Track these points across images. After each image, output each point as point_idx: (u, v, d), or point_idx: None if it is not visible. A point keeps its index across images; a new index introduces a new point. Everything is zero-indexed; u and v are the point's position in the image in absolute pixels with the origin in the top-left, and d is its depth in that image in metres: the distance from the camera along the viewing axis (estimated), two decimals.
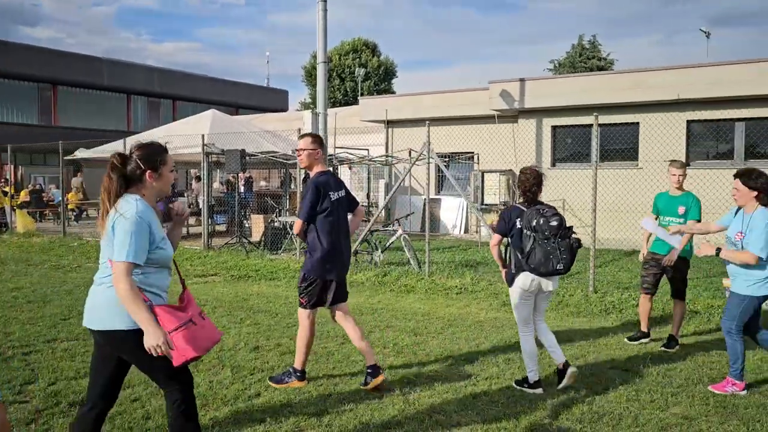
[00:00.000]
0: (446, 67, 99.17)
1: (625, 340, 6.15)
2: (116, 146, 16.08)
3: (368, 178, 20.52)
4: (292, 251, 12.10)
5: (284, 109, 43.48)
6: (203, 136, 13.15)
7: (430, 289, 8.92)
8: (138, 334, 2.88)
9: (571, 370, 4.82)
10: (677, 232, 5.34)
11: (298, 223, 4.76)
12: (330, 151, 15.61)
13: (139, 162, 3.03)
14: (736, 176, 4.76)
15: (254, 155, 14.16)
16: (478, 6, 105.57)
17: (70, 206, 20.18)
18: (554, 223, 4.55)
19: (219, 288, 9.29)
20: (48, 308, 7.59)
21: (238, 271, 10.51)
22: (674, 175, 6.01)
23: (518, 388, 4.80)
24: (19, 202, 20.16)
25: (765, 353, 5.64)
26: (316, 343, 5.97)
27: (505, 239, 4.93)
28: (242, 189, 17.50)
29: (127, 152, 3.11)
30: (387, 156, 18.06)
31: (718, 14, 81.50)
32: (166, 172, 3.10)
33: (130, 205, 2.94)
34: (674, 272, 6.01)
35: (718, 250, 4.75)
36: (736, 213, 4.86)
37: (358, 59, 45.59)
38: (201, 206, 14.53)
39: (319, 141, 4.89)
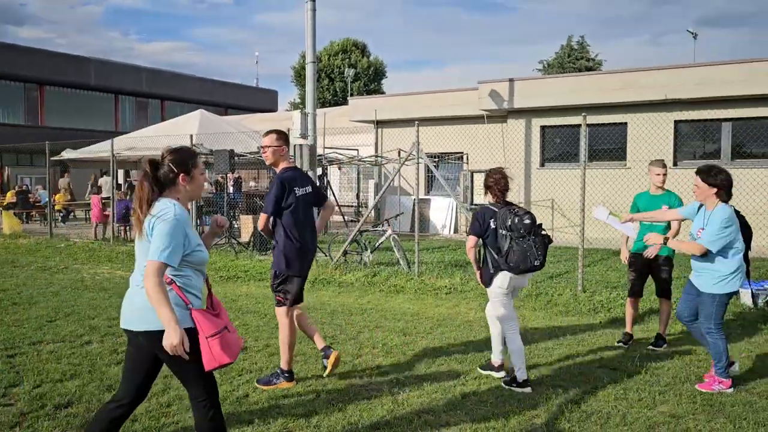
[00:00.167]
0: (436, 68, 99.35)
1: (618, 343, 6.12)
2: (103, 147, 15.99)
3: (358, 179, 20.49)
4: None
5: (274, 110, 43.37)
6: (191, 136, 13.08)
7: (419, 289, 8.92)
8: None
9: (500, 375, 5.04)
10: (629, 220, 5.33)
11: (262, 218, 4.81)
12: (319, 151, 15.57)
13: (171, 166, 3.09)
14: (696, 173, 4.81)
15: (243, 155, 14.11)
16: (467, 6, 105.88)
17: (57, 207, 20.02)
18: (528, 222, 4.66)
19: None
20: (34, 310, 7.52)
21: (227, 272, 10.46)
22: (658, 174, 6.03)
23: (507, 388, 4.80)
24: (5, 203, 19.99)
25: (746, 348, 5.67)
26: (304, 343, 5.96)
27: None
28: (231, 189, 17.43)
29: (159, 157, 3.17)
30: (376, 156, 18.06)
31: (706, 16, 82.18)
32: (197, 175, 3.18)
33: (167, 208, 3.00)
34: (659, 271, 6.03)
35: (666, 239, 4.87)
36: (698, 209, 4.90)
37: (347, 59, 45.57)
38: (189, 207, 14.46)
39: (284, 138, 4.94)
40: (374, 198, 15.33)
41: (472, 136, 16.40)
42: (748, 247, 4.92)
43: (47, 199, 16.95)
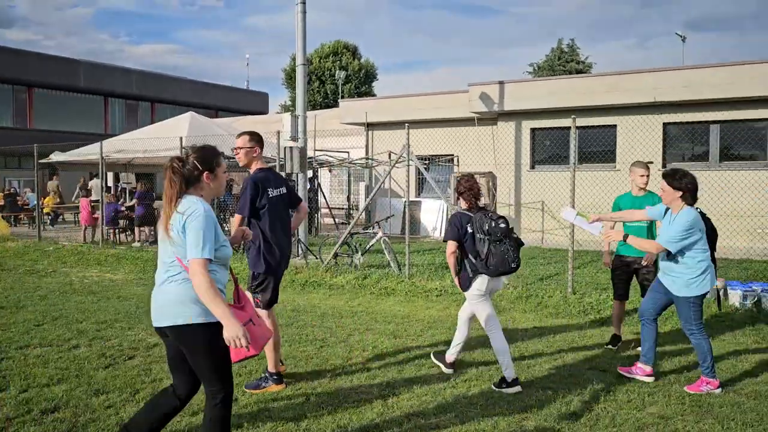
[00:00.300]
0: (427, 70, 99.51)
1: (607, 346, 6.13)
2: (92, 149, 15.89)
3: (349, 181, 20.48)
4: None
5: (264, 112, 43.31)
6: (181, 138, 13.03)
7: (410, 291, 8.92)
8: (201, 328, 3.04)
9: (448, 371, 5.19)
10: (596, 220, 5.37)
11: (237, 218, 4.83)
12: (310, 153, 15.54)
13: (196, 164, 3.17)
14: (662, 177, 4.87)
15: (233, 158, 14.06)
16: (458, 9, 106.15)
17: (45, 210, 19.88)
18: (503, 226, 4.83)
19: None
20: (21, 314, 7.45)
21: None
22: (642, 176, 6.06)
23: (498, 390, 4.81)
24: None
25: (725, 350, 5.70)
26: (294, 346, 5.94)
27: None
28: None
29: (184, 155, 3.25)
30: (367, 158, 18.06)
31: (694, 19, 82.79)
32: (220, 173, 3.27)
33: (196, 205, 3.08)
34: (644, 275, 6.06)
35: (626, 236, 4.96)
36: (666, 212, 4.96)
37: (338, 62, 45.55)
38: None
39: (256, 139, 4.97)
40: (365, 200, 15.32)
41: (462, 138, 16.43)
42: (713, 249, 5.03)
43: (36, 202, 16.83)
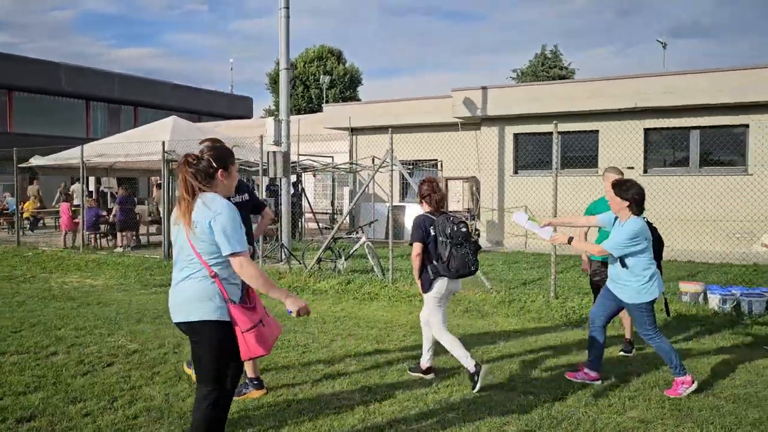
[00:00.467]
0: (411, 75, 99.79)
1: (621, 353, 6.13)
2: (73, 153, 15.73)
3: (333, 186, 20.44)
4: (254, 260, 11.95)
5: (249, 116, 43.11)
6: (163, 143, 12.93)
7: (393, 296, 8.90)
8: (215, 325, 3.12)
9: (430, 377, 5.20)
10: (547, 225, 5.44)
11: None
12: (293, 158, 15.50)
13: (211, 161, 3.23)
14: (611, 186, 4.97)
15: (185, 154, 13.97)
16: (443, 15, 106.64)
17: (25, 215, 19.62)
18: (464, 230, 4.98)
19: None
20: None
21: None
22: None
23: (475, 388, 4.90)
24: None
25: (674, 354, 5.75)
26: (276, 352, 5.90)
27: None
28: None
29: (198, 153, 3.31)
30: (351, 163, 18.04)
31: (675, 26, 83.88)
32: (233, 171, 3.36)
33: (218, 200, 3.16)
34: None
35: (570, 238, 5.09)
36: (615, 219, 5.06)
37: (322, 67, 45.50)
38: (162, 214, 14.28)
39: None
40: (349, 205, 15.30)
41: (446, 143, 16.48)
42: (660, 257, 5.21)
43: (15, 207, 16.60)
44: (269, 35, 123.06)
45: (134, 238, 15.32)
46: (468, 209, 16.12)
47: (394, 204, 10.62)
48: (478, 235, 15.68)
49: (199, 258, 3.13)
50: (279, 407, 4.56)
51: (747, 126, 13.20)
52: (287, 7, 12.14)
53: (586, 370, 5.17)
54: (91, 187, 23.25)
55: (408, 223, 16.92)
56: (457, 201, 16.28)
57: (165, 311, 7.91)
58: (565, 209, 11.81)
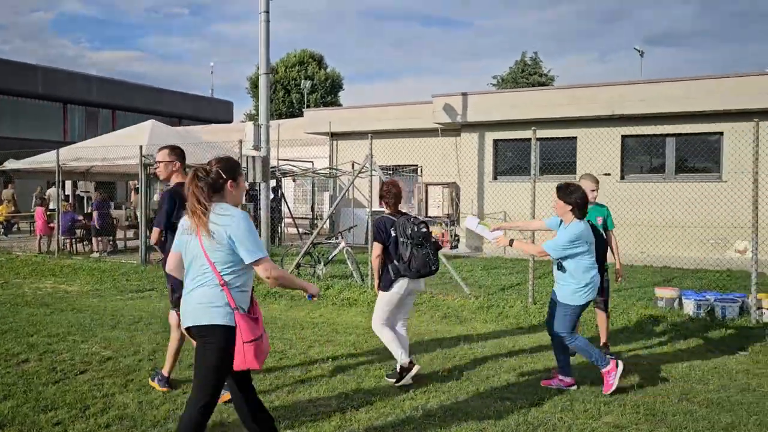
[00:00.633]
0: (392, 81, 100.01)
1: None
2: (48, 157, 15.51)
3: (313, 191, 20.39)
4: None
5: (229, 121, 42.88)
6: (141, 147, 12.80)
7: (372, 302, 8.85)
8: (222, 329, 3.21)
9: (416, 368, 5.19)
10: (497, 229, 5.55)
11: (155, 231, 4.94)
12: (273, 163, 15.43)
13: (221, 173, 3.34)
14: (556, 190, 5.10)
15: (194, 167, 13.86)
16: (425, 21, 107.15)
17: None
18: (424, 230, 5.11)
19: (155, 303, 9.01)
20: None
21: None
22: (592, 191, 6.16)
23: (394, 382, 5.06)
24: None
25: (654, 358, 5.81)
26: None
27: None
28: None
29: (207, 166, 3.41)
30: (331, 168, 18.02)
31: (654, 34, 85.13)
32: (241, 182, 3.47)
33: (234, 210, 3.30)
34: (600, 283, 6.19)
35: (511, 241, 5.22)
36: (560, 222, 5.17)
37: (304, 71, 45.43)
38: (139, 219, 14.11)
39: (177, 153, 5.08)
40: (328, 210, 15.26)
41: (426, 148, 16.52)
42: (603, 260, 5.29)
43: None
44: (251, 39, 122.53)
45: (111, 243, 15.13)
46: (448, 215, 16.17)
47: (373, 209, 10.60)
48: (458, 240, 15.74)
49: (212, 267, 3.23)
50: None
51: (721, 134, 13.41)
52: (267, 12, 12.10)
53: (560, 376, 5.20)
54: (68, 192, 22.93)
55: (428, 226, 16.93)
56: (437, 206, 16.33)
57: (141, 317, 7.83)
58: (544, 215, 11.88)
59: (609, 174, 14.03)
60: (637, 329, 7.34)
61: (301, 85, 43.30)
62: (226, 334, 3.21)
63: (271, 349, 6.18)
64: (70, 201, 19.00)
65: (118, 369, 5.56)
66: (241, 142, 11.99)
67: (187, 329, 3.35)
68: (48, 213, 15.54)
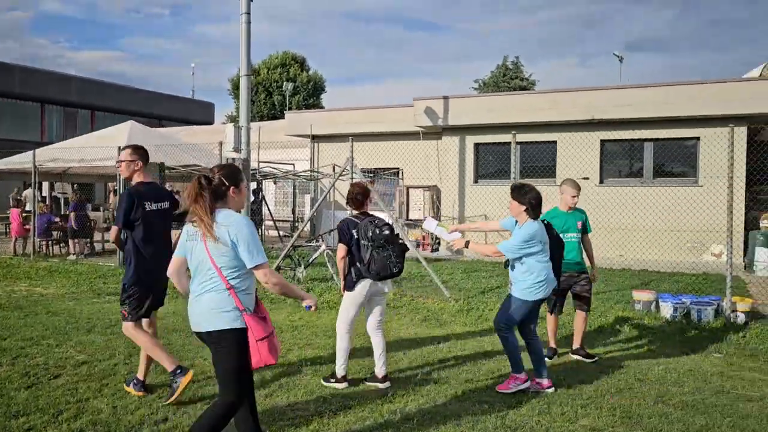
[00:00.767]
0: (375, 83, 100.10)
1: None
2: (24, 158, 15.29)
3: (294, 193, 20.31)
4: None
5: (210, 122, 42.63)
6: (119, 148, 12.63)
7: None
8: (235, 332, 3.34)
9: (386, 385, 5.20)
10: (455, 230, 5.60)
11: (113, 230, 5.01)
12: (254, 165, 15.34)
13: (223, 180, 3.46)
14: (510, 191, 5.18)
15: (175, 169, 13.75)
16: (408, 24, 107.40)
17: None
18: (386, 232, 5.10)
19: None
20: None
21: None
22: (573, 197, 6.22)
23: (326, 384, 5.12)
24: None
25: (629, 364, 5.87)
26: None
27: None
28: None
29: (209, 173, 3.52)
30: (312, 171, 17.97)
31: (635, 39, 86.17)
32: (243, 188, 3.57)
33: (237, 216, 3.41)
34: (583, 286, 6.23)
35: (467, 242, 5.27)
36: (515, 224, 5.23)
37: (286, 73, 45.30)
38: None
39: (139, 153, 5.07)
40: (309, 213, 15.21)
41: (407, 152, 16.55)
42: (560, 258, 5.36)
43: None
44: (233, 40, 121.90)
45: (88, 245, 14.93)
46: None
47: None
48: (439, 243, 15.77)
49: (218, 272, 3.34)
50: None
51: (698, 139, 13.60)
52: (248, 13, 12.04)
53: (536, 380, 5.22)
54: (45, 193, 22.61)
55: (393, 228, 16.91)
56: (418, 209, 16.35)
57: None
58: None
59: (588, 178, 14.15)
60: (615, 332, 7.40)
61: (283, 87, 43.17)
62: (238, 336, 3.34)
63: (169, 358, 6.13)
64: (47, 202, 18.72)
65: (93, 373, 5.48)
66: (221, 143, 11.91)
67: (198, 334, 3.45)
68: (24, 214, 15.31)
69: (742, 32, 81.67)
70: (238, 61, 12.46)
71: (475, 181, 15.76)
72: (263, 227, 17.32)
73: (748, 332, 7.21)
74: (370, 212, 5.41)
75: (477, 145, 15.81)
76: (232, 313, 3.34)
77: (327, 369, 5.72)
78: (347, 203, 5.44)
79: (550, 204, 11.60)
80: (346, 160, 10.20)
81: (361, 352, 6.42)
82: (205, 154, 15.27)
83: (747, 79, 15.17)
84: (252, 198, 14.85)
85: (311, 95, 46.25)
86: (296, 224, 19.01)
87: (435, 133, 16.37)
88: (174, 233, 5.31)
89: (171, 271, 3.64)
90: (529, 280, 5.05)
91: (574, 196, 6.20)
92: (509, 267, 5.24)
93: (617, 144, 14.57)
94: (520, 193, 5.06)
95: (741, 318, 7.61)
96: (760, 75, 16.71)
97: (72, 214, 14.33)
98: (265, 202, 17.40)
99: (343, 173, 10.54)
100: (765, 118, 13.64)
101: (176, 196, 5.35)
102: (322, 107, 43.50)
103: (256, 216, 15.83)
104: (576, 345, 6.29)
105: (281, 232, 17.56)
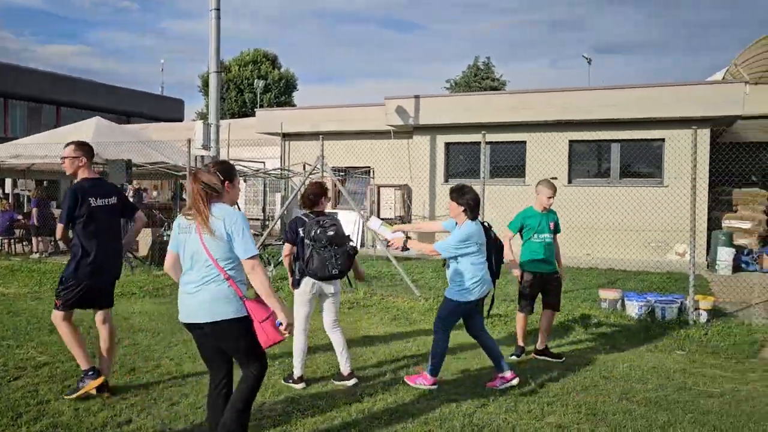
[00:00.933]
0: (347, 82, 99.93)
1: (511, 356, 6.27)
2: None
3: (264, 191, 20.15)
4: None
5: (180, 119, 42.06)
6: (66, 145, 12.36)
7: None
8: (238, 322, 3.49)
9: (353, 382, 5.25)
10: (398, 230, 5.67)
11: (58, 228, 4.99)
12: None
13: (219, 175, 3.65)
14: (450, 192, 5.27)
15: (142, 166, 13.52)
16: (381, 23, 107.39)
17: None
18: (331, 233, 5.09)
19: None
20: None
21: (120, 288, 9.86)
22: (549, 198, 6.26)
23: (285, 384, 5.16)
24: None
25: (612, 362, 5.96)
26: (196, 364, 5.73)
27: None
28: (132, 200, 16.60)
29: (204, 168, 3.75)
30: (282, 169, 17.85)
31: (605, 41, 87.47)
32: (237, 183, 3.80)
33: (229, 210, 3.55)
34: (554, 287, 6.30)
35: (406, 240, 5.39)
36: (456, 224, 5.31)
37: (257, 71, 44.93)
38: None
39: (84, 149, 5.05)
40: (280, 211, 15.10)
41: (378, 150, 16.54)
42: (498, 260, 5.43)
43: None
44: (203, 36, 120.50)
45: (52, 243, 14.61)
46: (400, 217, 16.22)
47: (326, 210, 10.54)
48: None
49: (215, 263, 3.47)
50: (198, 419, 4.42)
51: (663, 140, 13.85)
52: (218, 9, 11.90)
53: (500, 375, 5.27)
54: (8, 190, 22.06)
55: (340, 230, 16.85)
56: (389, 208, 16.36)
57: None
58: (493, 217, 12.05)
59: (556, 178, 14.30)
60: (581, 330, 7.50)
61: (255, 85, 42.82)
62: (242, 323, 3.50)
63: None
64: (9, 200, 18.27)
65: (55, 375, 5.37)
66: (190, 141, 11.75)
67: (189, 325, 3.55)
68: None
69: (707, 36, 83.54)
70: (207, 57, 12.29)
71: (446, 181, 15.82)
72: None
73: (710, 330, 7.37)
74: (327, 211, 5.41)
75: (448, 145, 15.88)
76: (233, 302, 3.50)
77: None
78: (300, 202, 5.45)
79: (518, 203, 11.71)
80: (316, 159, 10.15)
81: (331, 350, 6.40)
82: (174, 152, 15.05)
83: (710, 82, 15.52)
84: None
85: (283, 93, 45.97)
86: (266, 223, 18.86)
87: (406, 132, 16.40)
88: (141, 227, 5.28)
89: (167, 266, 3.73)
90: (462, 281, 5.10)
91: (549, 197, 6.24)
92: (446, 266, 5.29)
93: (585, 145, 14.77)
94: (459, 194, 5.14)
95: (703, 316, 7.78)
96: (723, 78, 17.10)
97: (34, 210, 14.01)
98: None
99: (314, 172, 10.49)
100: (728, 121, 13.98)
101: (127, 192, 5.33)
102: (293, 105, 43.26)
103: None
104: (540, 345, 6.33)
105: (251, 231, 17.39)
